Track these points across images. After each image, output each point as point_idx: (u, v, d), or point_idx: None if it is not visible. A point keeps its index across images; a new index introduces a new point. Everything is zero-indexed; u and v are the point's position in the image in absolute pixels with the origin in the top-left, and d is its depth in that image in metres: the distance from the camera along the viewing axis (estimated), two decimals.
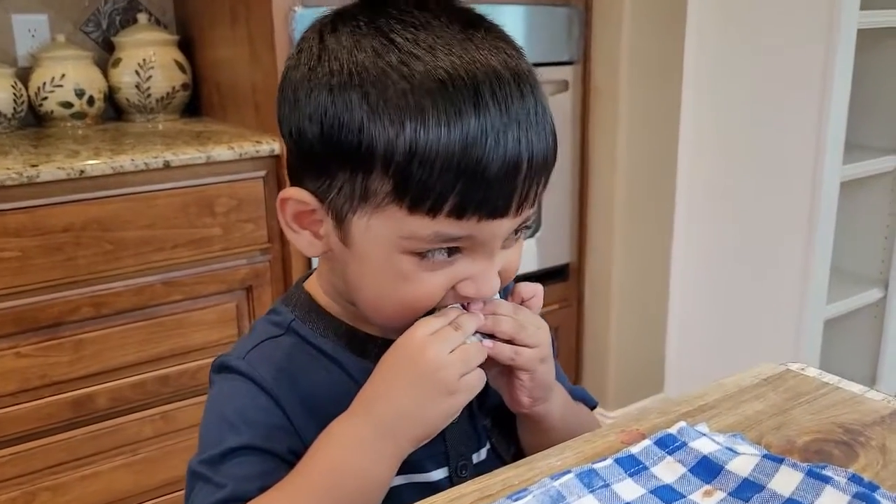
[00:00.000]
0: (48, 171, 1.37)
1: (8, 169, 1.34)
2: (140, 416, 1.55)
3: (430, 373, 0.56)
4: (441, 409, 0.56)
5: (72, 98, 1.76)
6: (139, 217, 1.47)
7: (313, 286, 0.69)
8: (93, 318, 1.46)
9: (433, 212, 0.53)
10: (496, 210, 0.54)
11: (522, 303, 0.65)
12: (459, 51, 0.54)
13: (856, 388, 0.57)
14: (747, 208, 1.92)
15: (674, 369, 2.10)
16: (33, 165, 1.36)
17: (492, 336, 0.60)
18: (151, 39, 1.85)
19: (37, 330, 1.41)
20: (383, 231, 0.55)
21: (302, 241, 0.61)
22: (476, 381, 0.58)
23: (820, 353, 1.89)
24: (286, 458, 0.61)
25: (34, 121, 1.81)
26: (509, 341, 0.61)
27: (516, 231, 0.59)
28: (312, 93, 0.56)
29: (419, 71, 0.53)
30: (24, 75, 1.78)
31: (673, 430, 0.49)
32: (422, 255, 0.56)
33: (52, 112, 1.77)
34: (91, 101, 1.79)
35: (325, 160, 0.56)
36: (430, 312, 0.59)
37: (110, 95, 1.85)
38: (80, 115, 1.79)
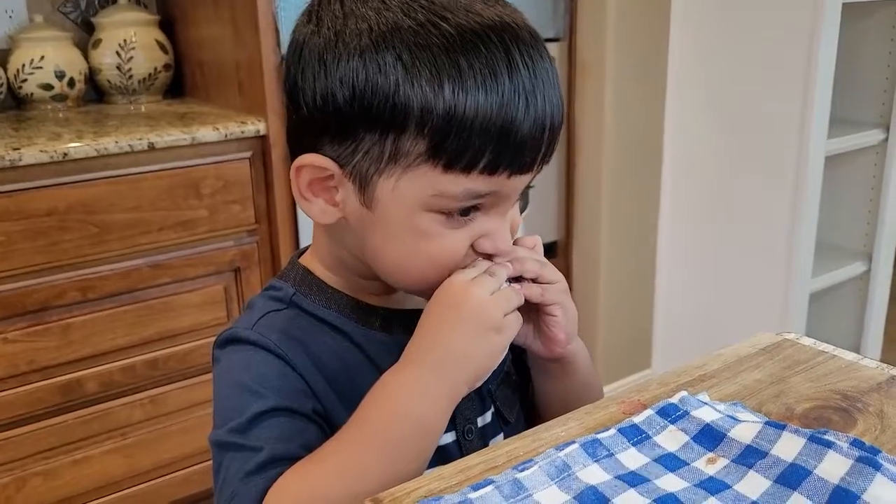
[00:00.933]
0: (31, 154, 1.35)
1: None
2: (130, 400, 1.54)
3: (475, 312, 0.57)
4: (490, 347, 0.58)
5: (52, 80, 1.74)
6: (124, 200, 1.45)
7: (310, 261, 0.68)
8: (80, 303, 1.45)
9: (468, 169, 0.55)
10: (524, 166, 0.57)
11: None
12: (479, 8, 0.56)
13: (850, 356, 0.58)
14: (733, 183, 1.93)
15: (661, 345, 2.12)
16: (15, 149, 1.35)
17: (518, 280, 0.62)
18: (132, 19, 1.82)
19: (23, 315, 1.40)
20: (413, 190, 0.56)
21: (315, 209, 0.61)
22: (517, 321, 0.60)
23: (806, 326, 1.91)
24: (313, 418, 0.61)
25: (14, 104, 1.78)
26: (534, 281, 0.63)
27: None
28: (342, 56, 0.55)
29: (449, 31, 0.54)
30: (2, 58, 1.75)
31: (674, 399, 0.49)
32: (447, 213, 0.57)
33: (32, 95, 1.74)
34: (72, 82, 1.76)
35: (354, 123, 0.56)
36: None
37: (91, 77, 1.82)
38: (60, 98, 1.76)
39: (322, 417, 0.62)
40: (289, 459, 0.57)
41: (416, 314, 0.66)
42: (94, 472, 1.52)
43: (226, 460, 0.59)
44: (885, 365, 0.57)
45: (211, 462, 0.63)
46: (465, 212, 0.58)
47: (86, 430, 1.50)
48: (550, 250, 2.12)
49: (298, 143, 0.61)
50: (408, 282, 0.62)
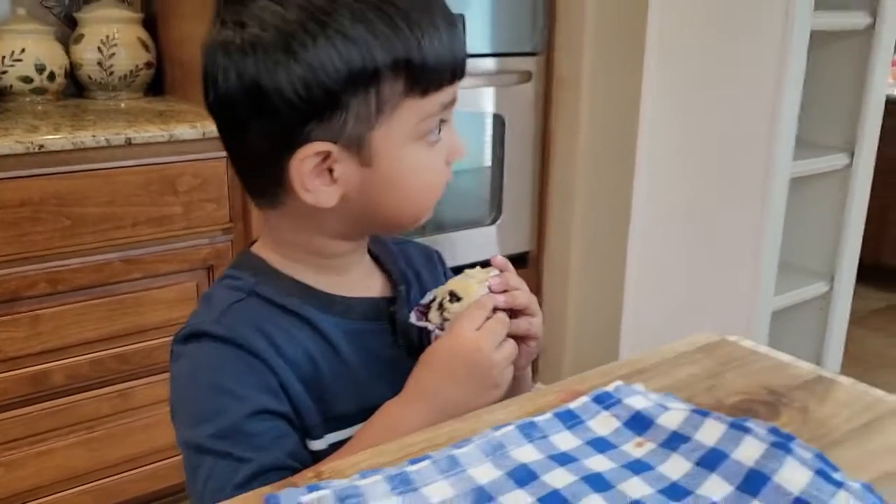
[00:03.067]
0: (6, 144, 1.36)
1: None
2: (97, 394, 1.55)
3: (484, 373, 0.63)
4: (488, 399, 0.63)
5: (32, 73, 1.75)
6: (99, 193, 1.46)
7: (263, 250, 0.70)
8: (50, 294, 1.46)
9: (438, 86, 0.62)
10: (463, 73, 0.65)
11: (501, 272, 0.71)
12: None
13: (787, 357, 0.61)
14: (702, 199, 1.97)
15: (628, 356, 2.15)
16: None
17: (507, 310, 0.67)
18: (115, 17, 1.84)
19: None
20: (403, 126, 0.63)
21: (319, 196, 0.63)
22: (510, 374, 0.65)
23: (767, 343, 1.95)
24: (291, 419, 0.64)
25: None
26: (520, 311, 0.68)
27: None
28: (309, 41, 0.58)
29: None
30: None
31: (609, 388, 0.52)
32: (426, 136, 0.64)
33: (11, 87, 1.75)
34: (52, 76, 1.77)
35: (340, 95, 0.60)
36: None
37: (72, 72, 1.83)
38: (40, 91, 1.77)
39: (294, 414, 0.64)
40: (276, 469, 0.59)
41: (368, 301, 0.69)
42: (58, 464, 1.53)
43: (205, 466, 0.60)
44: (819, 367, 0.60)
45: (181, 460, 0.64)
46: (437, 129, 0.65)
47: (52, 422, 1.50)
48: (522, 260, 2.15)
49: (274, 146, 0.62)
50: (413, 217, 0.68)
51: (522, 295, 0.68)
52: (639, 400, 0.51)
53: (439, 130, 0.65)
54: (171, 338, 0.68)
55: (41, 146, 1.39)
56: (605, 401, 0.51)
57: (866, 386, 0.56)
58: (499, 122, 2.00)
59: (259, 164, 0.64)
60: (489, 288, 0.67)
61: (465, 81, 2.00)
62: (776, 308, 1.96)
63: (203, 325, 0.64)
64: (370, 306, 0.71)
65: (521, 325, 0.68)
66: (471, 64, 1.93)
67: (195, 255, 1.59)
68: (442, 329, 0.67)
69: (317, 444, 0.65)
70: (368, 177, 0.64)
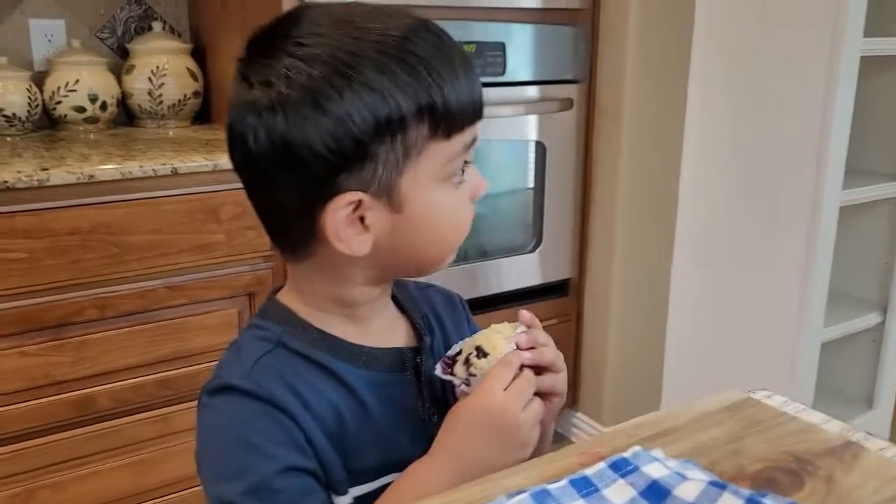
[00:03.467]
0: (58, 175, 1.40)
1: (19, 172, 1.38)
2: (140, 418, 1.58)
3: (510, 431, 0.64)
4: (514, 459, 0.64)
5: (85, 103, 1.80)
6: (145, 222, 1.50)
7: (289, 299, 0.71)
8: (97, 320, 1.49)
9: (461, 128, 0.65)
10: (482, 111, 0.67)
11: (528, 328, 0.71)
12: (398, 18, 0.65)
13: (817, 417, 0.59)
14: (748, 229, 1.93)
15: (671, 388, 2.12)
16: (44, 169, 1.40)
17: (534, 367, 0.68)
18: (165, 47, 1.89)
19: (41, 330, 1.44)
20: (430, 169, 0.64)
21: (353, 245, 0.64)
22: (537, 433, 0.66)
23: (816, 376, 1.90)
24: (318, 474, 0.64)
25: (48, 124, 1.85)
26: (545, 367, 0.69)
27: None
28: (335, 95, 0.59)
29: (398, 37, 0.62)
30: (39, 79, 1.82)
31: (627, 454, 0.51)
32: (452, 177, 0.66)
33: (65, 116, 1.81)
34: (104, 106, 1.83)
35: (367, 146, 0.61)
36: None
37: (123, 101, 1.89)
38: (92, 120, 1.83)
39: (321, 469, 0.65)
40: None
41: (393, 352, 0.69)
42: (102, 487, 1.56)
43: None
44: (850, 428, 0.58)
45: None
46: (462, 170, 0.67)
47: (96, 445, 1.54)
48: (562, 288, 2.13)
49: (304, 198, 0.63)
50: (444, 259, 0.69)
51: (549, 352, 0.69)
52: (657, 468, 0.50)
53: (463, 171, 0.67)
54: (212, 363, 0.71)
55: (91, 176, 1.43)
56: (622, 468, 0.50)
57: None
58: (540, 149, 1.99)
59: (290, 219, 0.65)
60: (516, 344, 0.67)
61: (507, 109, 2.01)
62: (826, 339, 1.90)
63: (232, 380, 0.65)
64: (395, 357, 0.71)
65: (546, 381, 0.68)
66: (512, 91, 1.95)
67: (237, 282, 1.62)
68: (468, 384, 0.67)
69: (342, 501, 0.66)
70: (399, 222, 0.64)
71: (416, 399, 0.71)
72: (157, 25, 1.93)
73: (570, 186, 2.04)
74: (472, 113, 0.65)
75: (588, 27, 1.97)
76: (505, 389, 0.64)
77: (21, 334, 1.43)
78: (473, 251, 2.02)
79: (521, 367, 0.66)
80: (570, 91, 1.97)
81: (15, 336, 1.43)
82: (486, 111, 2.08)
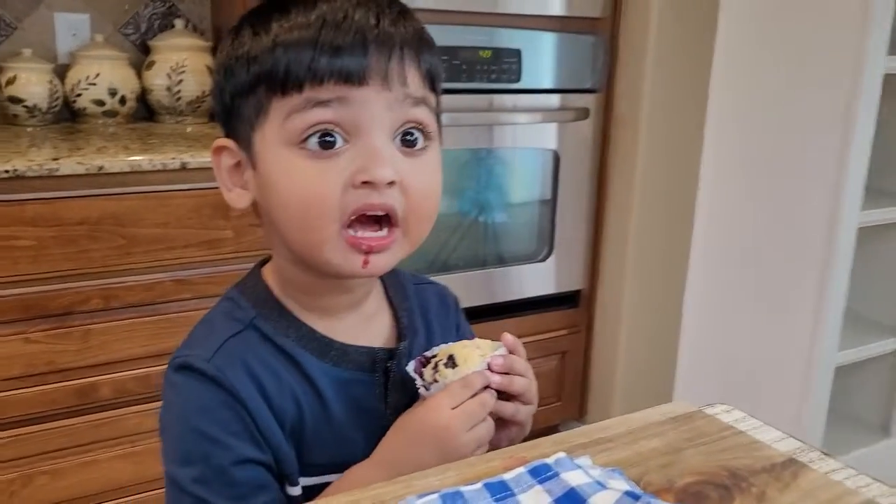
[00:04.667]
0: (68, 165, 1.42)
1: (30, 161, 1.40)
2: (142, 409, 1.59)
3: (449, 450, 0.62)
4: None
5: (105, 96, 1.83)
6: (154, 215, 1.51)
7: (269, 275, 0.71)
8: (102, 310, 1.51)
9: (298, 85, 0.61)
10: (350, 76, 0.61)
11: (511, 352, 0.70)
12: None
13: (772, 434, 0.57)
14: (763, 247, 1.90)
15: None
16: (55, 159, 1.42)
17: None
18: (186, 45, 1.91)
19: (46, 317, 1.46)
20: (272, 129, 0.63)
21: (232, 195, 0.68)
22: (480, 453, 0.65)
23: (830, 400, 1.85)
24: (273, 466, 0.64)
25: (69, 116, 1.88)
26: (514, 396, 0.67)
27: (408, 137, 0.64)
28: (224, 51, 0.67)
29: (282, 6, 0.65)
30: (62, 72, 1.85)
31: (550, 459, 0.50)
32: (304, 141, 0.62)
33: (85, 109, 1.83)
34: (123, 100, 1.85)
35: (233, 98, 0.65)
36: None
37: (143, 96, 1.91)
38: (111, 114, 1.85)
39: (275, 462, 0.65)
40: None
41: (366, 351, 0.68)
42: (100, 475, 1.57)
43: None
44: (804, 448, 0.56)
45: None
46: (324, 140, 0.62)
47: (96, 434, 1.55)
48: (573, 299, 2.11)
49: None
50: (303, 240, 0.64)
51: (520, 382, 0.68)
52: (577, 475, 0.48)
53: (332, 144, 0.62)
54: None
55: (101, 167, 1.45)
56: (541, 473, 0.49)
57: (851, 473, 0.51)
58: (554, 158, 1.98)
59: None
60: (489, 365, 0.66)
61: (522, 117, 1.99)
62: (840, 363, 1.86)
63: (196, 361, 0.65)
64: (367, 356, 0.70)
65: (507, 409, 0.67)
66: (528, 99, 1.93)
67: None
68: (427, 389, 0.66)
69: (293, 490, 0.65)
70: (258, 181, 0.65)
71: (380, 401, 0.70)
72: (179, 23, 1.95)
73: (583, 196, 2.02)
74: (314, 72, 0.61)
75: (607, 37, 1.95)
76: (454, 408, 0.63)
77: (26, 321, 1.45)
78: (482, 257, 2.01)
79: (487, 387, 0.65)
80: (586, 100, 1.96)
81: (20, 322, 1.44)
82: (501, 118, 2.06)
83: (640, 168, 1.95)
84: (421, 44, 0.65)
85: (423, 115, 0.65)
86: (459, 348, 0.67)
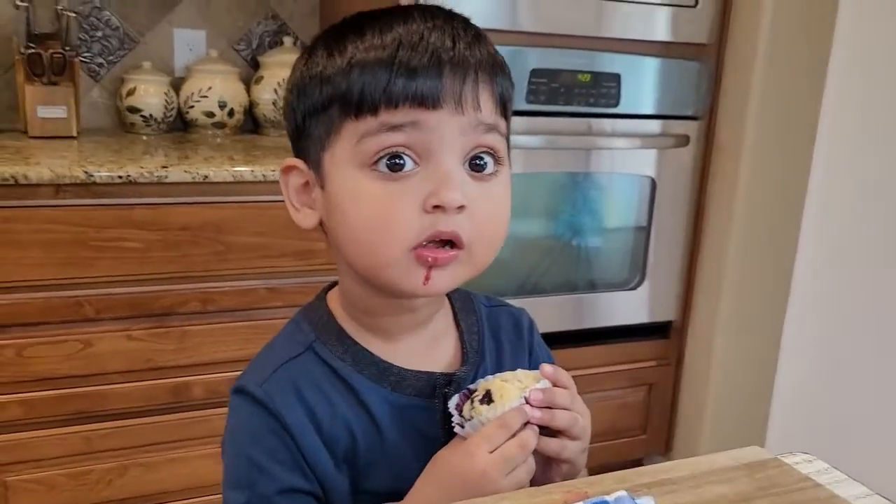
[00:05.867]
0: (176, 173, 1.49)
1: (142, 168, 1.48)
2: None
3: (484, 493, 0.60)
4: None
5: (215, 109, 1.91)
6: (252, 224, 1.57)
7: (334, 301, 0.72)
8: (199, 313, 1.57)
9: (373, 108, 0.62)
10: (425, 99, 0.61)
11: (555, 385, 0.66)
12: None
13: (857, 489, 0.53)
14: (877, 285, 1.80)
15: (774, 445, 1.99)
16: (164, 167, 1.49)
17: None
18: (293, 61, 1.96)
19: (148, 317, 1.53)
20: (344, 151, 0.63)
21: (300, 215, 0.68)
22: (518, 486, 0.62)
23: None
24: (320, 496, 0.65)
25: (181, 126, 1.98)
26: (560, 431, 0.65)
27: (478, 161, 0.64)
28: (296, 72, 0.69)
29: (357, 29, 0.65)
30: (177, 84, 1.95)
31: (610, 497, 0.48)
32: (375, 164, 0.62)
33: (196, 120, 1.92)
34: (231, 113, 1.93)
35: (304, 119, 0.66)
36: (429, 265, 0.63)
37: (250, 109, 1.99)
38: (220, 125, 1.93)
39: (323, 491, 0.65)
40: None
41: (426, 376, 0.68)
42: (189, 472, 1.63)
43: None
44: (885, 501, 0.52)
45: None
46: (394, 162, 0.61)
47: (187, 431, 1.61)
48: (664, 330, 2.06)
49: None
50: (367, 261, 0.64)
51: (563, 416, 0.64)
52: None
53: (401, 166, 0.61)
54: None
55: (206, 176, 1.51)
56: None
57: None
58: (651, 184, 1.94)
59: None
60: (526, 400, 0.63)
61: (620, 142, 1.97)
62: None
63: (250, 385, 0.66)
64: (426, 382, 0.69)
65: (552, 446, 0.64)
66: (626, 124, 1.90)
67: None
68: (462, 427, 0.64)
69: None
70: (326, 200, 0.66)
71: (439, 428, 0.69)
72: (288, 40, 2.02)
73: (679, 225, 1.97)
74: (389, 96, 0.61)
75: (712, 63, 1.90)
76: (492, 451, 0.61)
77: (130, 318, 1.52)
78: (573, 282, 1.98)
79: (527, 423, 0.62)
80: (687, 127, 1.91)
81: (125, 319, 1.52)
82: (599, 142, 2.03)
83: (739, 198, 1.89)
84: (495, 68, 0.65)
85: (494, 140, 0.65)
86: (498, 384, 0.64)
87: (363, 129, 0.62)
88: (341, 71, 0.63)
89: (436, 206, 0.61)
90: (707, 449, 2.04)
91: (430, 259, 0.62)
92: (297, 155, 0.69)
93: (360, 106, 0.62)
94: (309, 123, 0.66)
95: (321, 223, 0.68)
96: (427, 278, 0.62)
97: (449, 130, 0.62)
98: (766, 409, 1.97)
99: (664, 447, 2.14)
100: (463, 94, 0.62)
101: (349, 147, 0.63)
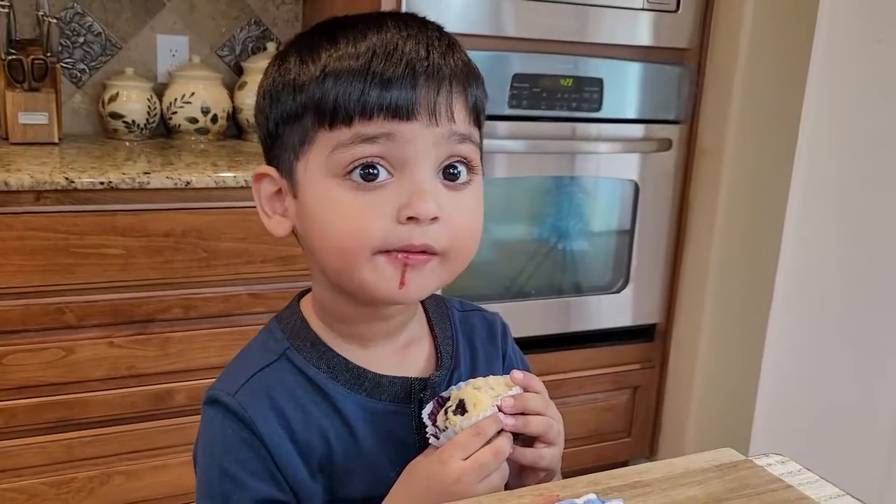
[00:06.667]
0: (158, 179, 1.49)
1: (124, 174, 1.47)
2: None
3: (458, 500, 0.60)
4: None
5: (198, 114, 1.91)
6: (235, 230, 1.56)
7: (307, 308, 0.71)
8: (181, 319, 1.56)
9: (348, 119, 0.61)
10: (399, 110, 0.61)
11: (526, 390, 0.66)
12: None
13: (828, 490, 0.54)
14: (855, 287, 1.81)
15: (758, 447, 2.00)
16: (146, 173, 1.49)
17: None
18: None
19: (130, 323, 1.53)
20: (317, 160, 0.63)
21: (272, 222, 0.68)
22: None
23: None
24: (292, 503, 0.65)
25: (164, 132, 1.97)
26: (535, 438, 0.65)
27: (452, 171, 0.64)
28: (271, 79, 0.67)
29: (331, 25, 0.66)
30: (160, 90, 1.94)
31: (580, 500, 0.48)
32: (349, 174, 0.62)
33: (179, 126, 1.92)
34: (215, 118, 1.93)
35: (276, 126, 0.66)
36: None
37: (234, 115, 1.99)
38: (203, 131, 1.93)
39: (295, 497, 0.65)
40: None
41: (400, 381, 0.68)
42: (171, 479, 1.62)
43: None
44: (856, 501, 0.52)
45: None
46: (368, 172, 0.62)
47: (169, 438, 1.60)
48: (649, 333, 2.07)
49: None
50: (338, 265, 0.64)
51: (538, 422, 0.64)
52: None
53: (374, 176, 0.62)
54: None
55: (188, 182, 1.51)
56: None
57: None
58: (633, 188, 1.95)
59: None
60: (498, 407, 0.62)
61: (602, 146, 1.97)
62: None
63: (222, 395, 0.66)
64: (402, 387, 0.69)
65: (527, 456, 0.64)
66: (609, 128, 1.91)
67: None
68: (436, 437, 0.64)
69: None
70: (299, 209, 0.66)
71: (414, 433, 0.69)
72: (271, 46, 2.02)
73: (662, 229, 1.98)
74: (364, 107, 0.61)
75: (694, 67, 1.92)
76: (465, 459, 0.61)
77: (112, 325, 1.52)
78: (558, 285, 1.99)
79: (501, 431, 0.62)
80: (669, 131, 1.92)
81: (107, 326, 1.51)
82: (582, 146, 2.04)
83: (722, 202, 1.90)
84: (469, 77, 0.65)
85: (468, 150, 0.65)
86: (470, 392, 0.64)
87: (337, 139, 0.62)
88: (314, 79, 0.62)
89: (409, 218, 0.61)
90: (692, 452, 2.05)
91: (401, 257, 0.62)
92: (269, 162, 0.69)
93: (333, 116, 0.62)
94: (282, 131, 0.65)
95: (294, 230, 0.68)
96: (402, 283, 0.62)
97: (423, 141, 0.62)
98: (750, 411, 1.98)
99: (649, 450, 2.14)
100: (437, 105, 0.62)
101: (322, 157, 0.63)
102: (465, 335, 0.77)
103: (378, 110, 0.61)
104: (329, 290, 0.68)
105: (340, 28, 0.65)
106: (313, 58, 0.63)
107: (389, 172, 0.62)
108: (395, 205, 0.61)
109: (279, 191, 0.67)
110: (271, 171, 0.68)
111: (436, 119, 0.62)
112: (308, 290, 0.73)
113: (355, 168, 0.62)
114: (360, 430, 0.67)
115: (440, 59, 0.63)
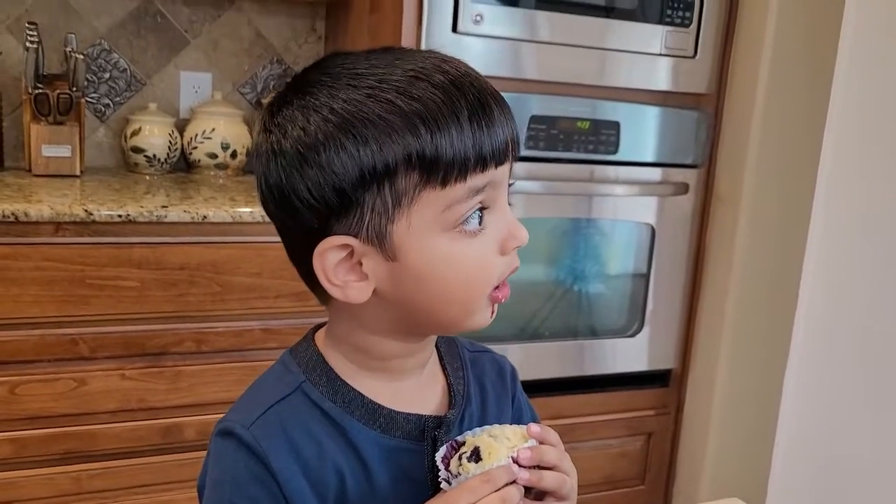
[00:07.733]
0: (175, 213, 1.50)
1: (142, 207, 1.49)
2: None
3: None
4: None
5: (217, 150, 1.93)
6: (249, 265, 1.57)
7: (324, 343, 0.70)
8: (194, 353, 1.57)
9: (463, 176, 0.61)
10: (504, 153, 0.63)
11: (542, 443, 0.65)
12: (410, 62, 0.62)
13: None
14: (878, 337, 1.78)
15: (775, 497, 1.95)
16: (164, 206, 1.50)
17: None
18: None
19: (142, 356, 1.53)
20: (424, 218, 0.61)
21: (350, 291, 0.63)
22: None
23: None
24: None
25: (184, 166, 2.00)
26: (547, 491, 0.64)
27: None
28: (322, 148, 0.59)
29: (400, 90, 0.60)
30: (182, 125, 1.97)
31: None
32: (460, 226, 0.62)
33: (199, 161, 1.94)
34: (234, 154, 1.95)
35: (350, 194, 0.60)
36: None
37: None
38: (222, 166, 1.95)
39: None
40: None
41: (416, 418, 0.67)
42: None
43: None
44: None
45: None
46: (480, 218, 0.63)
47: (179, 473, 1.59)
48: (664, 378, 2.04)
49: (305, 241, 0.63)
50: (459, 315, 0.65)
51: (552, 477, 0.63)
52: None
53: (480, 219, 0.62)
54: None
55: (205, 217, 1.52)
56: None
57: None
58: (650, 232, 1.94)
59: (298, 260, 0.66)
60: (513, 459, 0.62)
61: (619, 189, 1.97)
62: None
63: (236, 428, 0.65)
64: (416, 424, 0.68)
65: None
66: (625, 171, 1.91)
67: None
68: (448, 482, 0.63)
69: None
70: (397, 271, 0.62)
71: (427, 472, 0.68)
72: None
73: (678, 273, 1.97)
74: (477, 160, 0.60)
75: (711, 112, 1.92)
76: None
77: (124, 357, 1.52)
78: (573, 327, 1.97)
79: (513, 482, 0.61)
80: (686, 175, 1.92)
81: (120, 359, 1.52)
82: (598, 189, 2.04)
83: (739, 246, 1.88)
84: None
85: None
86: (486, 440, 0.63)
87: (451, 196, 0.61)
88: (417, 151, 0.59)
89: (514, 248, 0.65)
90: (706, 500, 2.00)
91: (501, 298, 0.65)
92: (330, 231, 0.62)
93: (447, 177, 0.60)
94: (359, 196, 0.60)
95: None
96: (493, 312, 0.67)
97: (506, 177, 0.65)
98: (766, 460, 1.94)
99: (663, 498, 2.10)
100: (517, 135, 0.65)
101: (432, 214, 0.61)
102: (476, 375, 0.76)
103: (490, 159, 0.62)
104: (378, 334, 0.67)
105: (363, 64, 0.62)
106: (403, 124, 0.59)
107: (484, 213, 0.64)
108: (497, 240, 0.64)
109: (349, 255, 0.62)
110: (349, 240, 0.62)
111: (516, 153, 0.65)
112: (321, 325, 0.73)
113: (468, 219, 0.62)
114: (374, 467, 0.66)
115: (501, 97, 0.64)
